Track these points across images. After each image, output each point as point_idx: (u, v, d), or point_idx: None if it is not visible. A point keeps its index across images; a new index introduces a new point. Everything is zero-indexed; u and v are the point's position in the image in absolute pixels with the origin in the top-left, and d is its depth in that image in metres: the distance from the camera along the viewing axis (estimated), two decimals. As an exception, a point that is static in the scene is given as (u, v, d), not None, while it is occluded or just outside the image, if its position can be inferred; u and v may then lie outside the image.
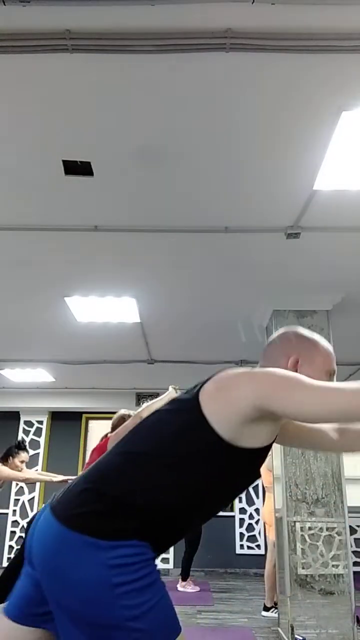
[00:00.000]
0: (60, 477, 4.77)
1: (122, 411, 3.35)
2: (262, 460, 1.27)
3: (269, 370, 1.22)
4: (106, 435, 3.41)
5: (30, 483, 4.98)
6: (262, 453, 1.24)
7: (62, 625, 1.12)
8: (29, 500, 7.55)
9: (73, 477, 4.92)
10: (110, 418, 3.42)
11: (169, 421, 1.25)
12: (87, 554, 1.10)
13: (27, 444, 4.83)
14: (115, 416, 3.35)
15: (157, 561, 1.22)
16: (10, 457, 4.66)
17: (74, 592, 1.09)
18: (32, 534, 1.22)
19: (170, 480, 1.18)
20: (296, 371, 1.29)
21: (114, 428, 3.29)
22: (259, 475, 1.32)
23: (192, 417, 1.21)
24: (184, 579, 5.91)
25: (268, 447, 1.25)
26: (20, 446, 4.75)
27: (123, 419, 3.27)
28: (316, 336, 1.39)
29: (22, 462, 4.72)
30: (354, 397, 1.10)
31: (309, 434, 1.42)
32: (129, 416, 3.27)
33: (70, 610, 1.10)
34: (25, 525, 7.40)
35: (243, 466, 1.24)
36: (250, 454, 1.21)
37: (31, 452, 7.75)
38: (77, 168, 2.53)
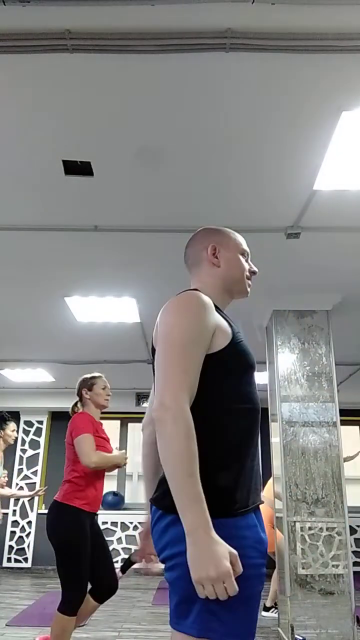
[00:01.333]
0: (30, 493, 4.86)
1: (83, 376, 3.36)
2: (242, 355, 1.36)
3: (173, 308, 1.35)
4: (75, 405, 3.38)
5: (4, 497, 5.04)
6: (237, 345, 1.35)
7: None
8: (29, 501, 7.55)
9: (42, 489, 4.92)
10: (110, 418, 3.41)
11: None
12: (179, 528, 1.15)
13: (6, 413, 4.83)
14: (77, 385, 3.34)
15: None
16: (1, 431, 4.68)
17: (175, 562, 1.17)
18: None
19: (215, 420, 1.26)
20: (217, 257, 1.52)
21: (78, 394, 3.29)
22: (252, 362, 1.40)
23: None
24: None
25: (238, 341, 1.36)
26: (4, 417, 4.75)
27: (84, 381, 3.28)
28: (223, 227, 1.61)
29: (13, 431, 4.75)
30: (169, 374, 1.22)
31: None
32: (88, 378, 3.27)
33: (171, 581, 1.21)
34: (25, 525, 7.41)
35: (235, 361, 1.34)
36: (229, 349, 1.33)
37: (31, 452, 7.77)
38: (77, 168, 2.53)
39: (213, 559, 1.04)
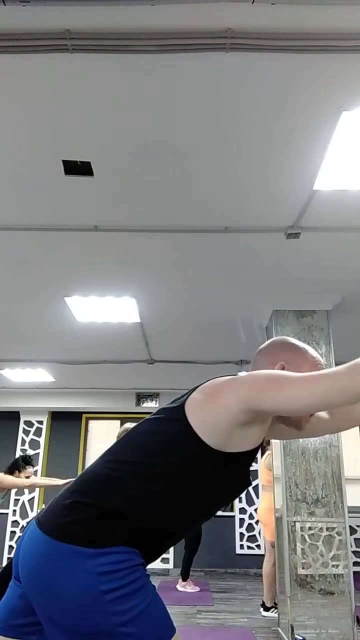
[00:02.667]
0: (63, 481, 4.76)
1: (128, 424, 3.34)
2: (250, 463, 1.27)
3: (252, 373, 1.23)
4: None
5: (36, 487, 4.98)
6: (250, 456, 1.24)
7: (53, 638, 1.12)
8: (29, 500, 7.56)
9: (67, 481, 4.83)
10: (110, 418, 3.41)
11: (156, 430, 1.25)
12: (73, 562, 1.10)
13: (32, 457, 4.82)
14: (120, 429, 3.34)
15: (157, 561, 1.23)
16: (17, 471, 4.66)
17: (63, 603, 1.09)
18: (18, 549, 1.22)
19: (158, 490, 1.18)
20: None
21: (119, 438, 3.29)
22: (249, 480, 1.31)
23: (179, 426, 1.21)
24: (184, 579, 5.91)
25: (256, 450, 1.25)
26: (27, 460, 4.74)
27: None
28: (304, 345, 1.40)
29: (27, 477, 4.71)
30: (335, 379, 1.10)
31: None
32: None
33: (61, 622, 1.09)
34: (25, 525, 7.41)
35: (232, 471, 1.24)
36: (238, 458, 1.21)
37: (31, 452, 7.76)
38: (77, 168, 2.53)
39: None
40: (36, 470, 7.67)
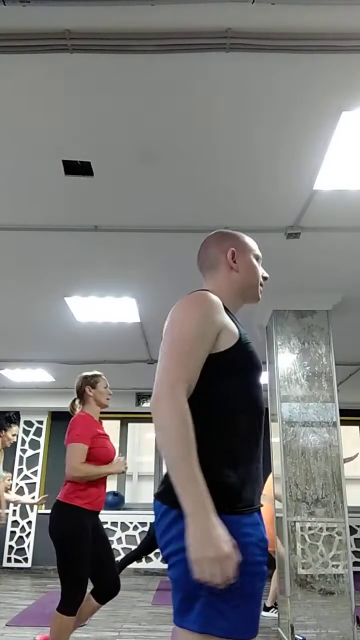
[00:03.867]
0: (32, 502, 4.85)
1: (82, 374, 3.32)
2: (248, 351, 1.36)
3: (183, 305, 1.37)
4: (74, 401, 3.34)
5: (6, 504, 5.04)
6: (243, 345, 1.35)
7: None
8: (29, 500, 7.55)
9: (43, 497, 4.88)
10: (110, 418, 3.39)
11: None
12: (179, 523, 1.16)
13: (15, 416, 4.84)
14: (76, 382, 3.30)
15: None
16: (3, 431, 4.68)
17: (179, 558, 1.17)
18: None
19: (218, 416, 1.26)
20: (235, 262, 1.53)
21: (78, 392, 3.26)
22: (259, 364, 1.40)
23: None
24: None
25: (244, 342, 1.36)
26: (11, 419, 4.75)
27: (85, 379, 3.24)
28: (237, 232, 1.62)
29: (13, 435, 4.75)
30: (167, 366, 1.24)
31: None
32: (90, 376, 3.24)
33: (175, 579, 1.22)
34: (25, 525, 7.41)
35: (240, 361, 1.34)
36: (234, 349, 1.32)
37: (31, 452, 7.77)
38: (77, 168, 2.53)
39: (212, 540, 1.07)
40: (35, 470, 7.68)
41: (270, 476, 4.30)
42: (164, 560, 1.26)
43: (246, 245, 1.58)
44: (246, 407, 1.32)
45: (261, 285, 1.58)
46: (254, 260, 1.57)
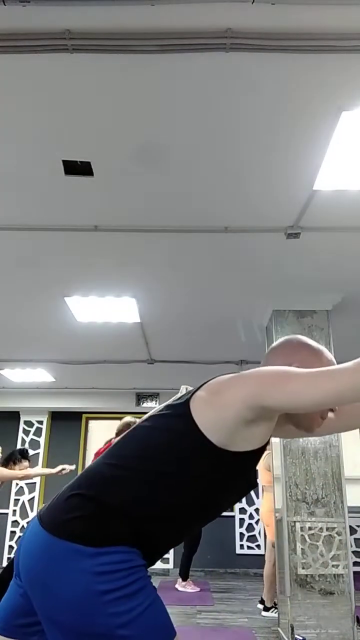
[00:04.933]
0: (56, 469, 4.77)
1: (128, 418, 3.33)
2: (256, 463, 1.25)
3: (258, 369, 1.19)
4: (110, 440, 3.40)
5: (29, 478, 4.99)
6: (255, 455, 1.21)
7: (52, 638, 1.10)
8: (29, 500, 7.55)
9: (69, 466, 4.78)
10: (110, 418, 3.41)
11: (160, 427, 1.23)
12: (72, 561, 1.08)
13: (28, 452, 4.84)
14: (120, 422, 3.34)
15: (158, 561, 1.21)
16: (12, 463, 4.66)
17: (61, 602, 1.07)
18: (19, 546, 1.20)
19: (161, 488, 1.16)
20: None
21: (118, 434, 3.28)
22: (255, 481, 1.30)
23: (183, 424, 1.18)
24: (184, 579, 5.91)
25: (262, 449, 1.22)
26: (24, 454, 4.74)
27: (128, 425, 3.25)
28: (320, 347, 1.34)
29: (21, 470, 4.73)
30: (344, 375, 1.07)
31: None
32: (134, 423, 3.25)
33: (59, 621, 1.08)
34: (25, 525, 7.41)
35: (237, 471, 1.21)
36: (243, 457, 1.18)
37: (31, 452, 7.75)
38: (77, 168, 2.53)
39: None
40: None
41: (261, 463, 4.31)
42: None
43: (316, 366, 1.23)
44: (202, 515, 1.24)
45: (322, 418, 1.28)
46: None
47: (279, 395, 1.11)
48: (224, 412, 1.15)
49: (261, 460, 5.34)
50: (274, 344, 1.39)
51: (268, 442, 1.24)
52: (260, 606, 4.77)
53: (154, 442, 1.21)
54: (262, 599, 4.77)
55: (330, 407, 1.23)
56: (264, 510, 4.92)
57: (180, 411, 1.21)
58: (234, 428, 1.15)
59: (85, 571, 1.07)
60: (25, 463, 4.74)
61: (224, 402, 1.15)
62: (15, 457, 4.70)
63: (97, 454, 3.13)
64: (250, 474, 1.27)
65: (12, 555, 7.32)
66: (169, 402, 1.32)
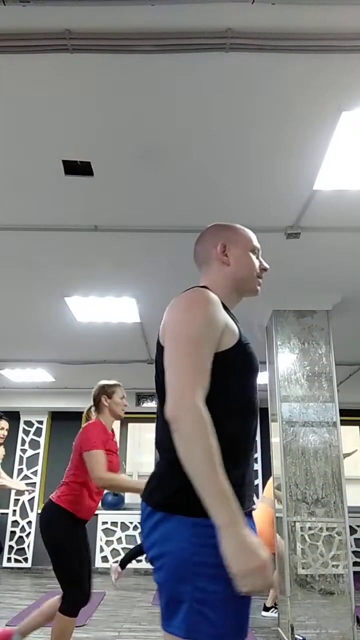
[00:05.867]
0: (22, 487, 4.79)
1: (100, 382, 3.27)
2: (251, 353, 1.35)
3: (183, 305, 1.34)
4: (89, 409, 3.32)
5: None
6: (244, 346, 1.33)
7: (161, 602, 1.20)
8: (29, 500, 7.55)
9: (28, 493, 4.73)
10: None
11: (160, 367, 1.32)
12: (174, 529, 1.15)
13: (1, 413, 4.85)
14: (94, 389, 3.25)
15: None
16: None
17: (162, 563, 1.16)
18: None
19: (221, 415, 1.22)
20: (226, 255, 1.48)
21: (95, 400, 3.22)
22: (257, 365, 1.38)
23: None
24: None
25: (238, 346, 1.32)
26: None
27: (103, 388, 3.20)
28: (234, 224, 1.55)
29: (1, 429, 4.75)
30: (181, 376, 1.20)
31: None
32: (108, 385, 3.19)
33: (159, 582, 1.18)
34: (25, 525, 7.41)
35: (243, 363, 1.32)
36: (234, 349, 1.30)
37: (31, 452, 7.77)
38: (77, 168, 2.53)
39: (252, 550, 1.05)
40: (35, 470, 7.68)
41: (271, 479, 4.30)
42: (150, 561, 1.24)
43: (240, 238, 1.52)
44: (242, 408, 1.30)
45: (259, 277, 1.52)
46: (249, 253, 1.50)
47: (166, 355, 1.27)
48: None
49: (268, 486, 5.16)
50: (198, 237, 1.59)
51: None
52: (265, 613, 4.75)
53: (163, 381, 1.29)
54: (264, 605, 4.76)
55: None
56: (260, 523, 4.84)
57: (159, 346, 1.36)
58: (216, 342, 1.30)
59: (184, 539, 1.14)
60: (3, 422, 4.75)
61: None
62: None
63: (93, 432, 3.03)
64: (252, 359, 1.36)
65: (11, 555, 7.33)
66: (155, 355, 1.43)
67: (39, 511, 7.35)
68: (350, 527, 6.95)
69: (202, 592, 1.10)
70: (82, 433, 3.00)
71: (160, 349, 1.34)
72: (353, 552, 6.89)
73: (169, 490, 1.20)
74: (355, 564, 6.73)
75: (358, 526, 7.27)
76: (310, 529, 3.64)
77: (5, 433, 4.82)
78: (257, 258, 1.53)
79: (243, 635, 1.16)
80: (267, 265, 1.54)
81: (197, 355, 1.21)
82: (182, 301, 1.34)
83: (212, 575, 1.11)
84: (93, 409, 3.24)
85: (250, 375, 1.35)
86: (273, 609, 4.51)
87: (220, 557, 1.07)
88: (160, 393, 1.30)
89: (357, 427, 7.91)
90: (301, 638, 3.49)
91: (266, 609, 4.65)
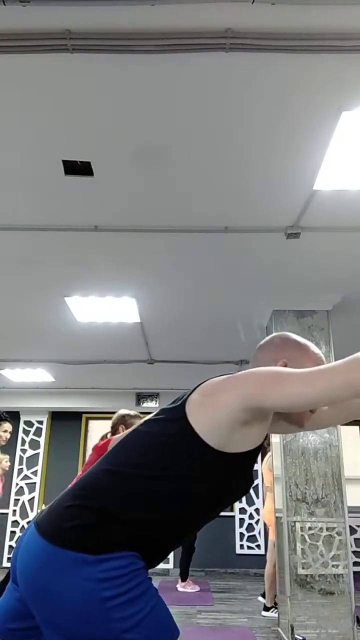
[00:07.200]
0: None
1: (122, 411, 3.31)
2: (253, 463, 1.25)
3: (251, 370, 1.20)
4: (106, 435, 3.39)
5: None
6: (252, 455, 1.22)
7: None
8: (29, 500, 7.55)
9: None
10: (110, 418, 3.40)
11: (156, 432, 1.23)
12: (74, 569, 1.08)
13: (3, 413, 4.84)
14: (114, 416, 3.33)
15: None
16: None
17: (63, 610, 1.06)
18: (15, 554, 1.19)
19: (159, 492, 1.16)
20: None
21: (113, 428, 3.26)
22: (252, 481, 1.30)
23: (178, 428, 1.18)
24: (183, 580, 5.91)
25: (258, 449, 1.23)
26: (1, 416, 4.75)
27: (123, 418, 3.24)
28: (306, 341, 1.36)
29: (5, 431, 4.74)
30: (337, 374, 1.08)
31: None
32: (129, 416, 3.23)
33: (61, 627, 1.07)
34: (25, 526, 7.41)
35: (234, 471, 1.21)
36: (240, 458, 1.19)
37: (31, 452, 7.77)
38: (77, 168, 2.53)
39: None
40: (35, 470, 7.68)
41: (265, 465, 4.30)
42: (36, 604, 1.12)
43: (306, 362, 1.27)
44: (201, 516, 1.23)
45: (312, 411, 1.30)
46: None
47: (274, 396, 1.12)
48: (219, 414, 1.15)
49: (265, 461, 5.39)
50: (262, 341, 1.40)
51: (269, 444, 1.26)
52: (261, 599, 4.78)
53: (151, 446, 1.21)
54: (263, 592, 4.79)
55: (324, 405, 1.23)
56: (266, 510, 4.92)
57: (176, 415, 1.21)
58: (229, 429, 1.15)
59: (88, 579, 1.07)
60: (6, 424, 4.73)
61: (219, 404, 1.16)
62: None
63: (94, 448, 3.11)
64: (250, 473, 1.27)
65: (11, 556, 7.31)
66: (165, 406, 1.31)
67: (39, 511, 7.39)
68: (350, 527, 6.95)
69: (123, 621, 1.06)
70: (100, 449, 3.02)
71: (180, 417, 1.20)
72: (353, 552, 6.89)
73: (80, 528, 1.12)
74: (355, 564, 6.73)
75: (358, 526, 7.27)
76: (310, 529, 3.64)
77: (8, 435, 4.81)
78: None
79: (177, 632, 1.13)
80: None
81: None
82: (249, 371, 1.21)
83: (123, 602, 1.07)
84: (109, 434, 3.27)
85: (237, 489, 1.27)
86: (273, 609, 4.51)
87: (129, 582, 1.07)
88: (146, 451, 1.20)
89: (357, 427, 7.91)
90: (301, 638, 3.48)
91: (266, 609, 4.65)
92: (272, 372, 1.16)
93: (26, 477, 7.65)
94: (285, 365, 1.28)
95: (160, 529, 1.18)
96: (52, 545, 1.11)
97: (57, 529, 1.13)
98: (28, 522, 7.82)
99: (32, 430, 7.87)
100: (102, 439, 3.35)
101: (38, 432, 7.87)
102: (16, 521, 7.48)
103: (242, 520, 7.39)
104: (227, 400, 1.15)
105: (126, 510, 1.14)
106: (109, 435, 3.31)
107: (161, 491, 1.17)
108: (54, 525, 1.14)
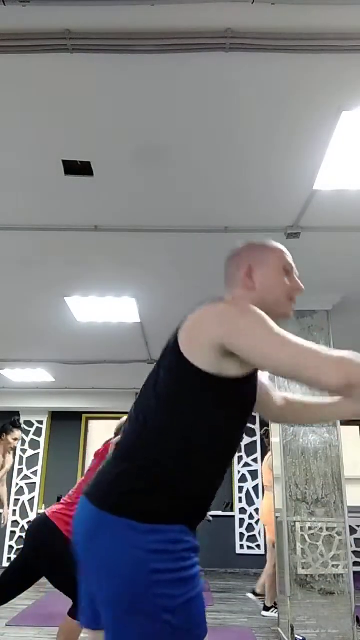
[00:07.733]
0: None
1: (125, 418, 3.30)
2: (251, 392, 1.28)
3: (236, 311, 1.20)
4: (108, 441, 3.39)
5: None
6: (246, 382, 1.23)
7: (104, 615, 1.09)
8: (29, 500, 7.55)
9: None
10: (110, 418, 3.40)
11: (161, 366, 1.27)
12: (122, 535, 1.08)
13: (21, 422, 4.85)
14: (119, 422, 3.33)
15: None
16: (4, 434, 4.67)
17: (113, 575, 1.06)
18: (74, 527, 1.20)
19: (179, 425, 1.17)
20: (252, 279, 1.33)
21: (117, 434, 3.26)
22: (251, 409, 1.31)
23: (175, 357, 1.22)
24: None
25: (250, 377, 1.24)
26: (15, 424, 4.75)
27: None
28: (265, 240, 1.39)
29: (15, 439, 4.73)
30: (310, 353, 1.11)
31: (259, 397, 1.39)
32: None
33: (109, 595, 1.07)
34: (25, 526, 7.40)
35: (233, 395, 1.23)
36: (234, 383, 1.20)
37: (31, 452, 7.77)
38: (77, 168, 2.53)
39: None
40: (35, 470, 7.68)
41: (265, 464, 4.30)
42: (84, 567, 1.17)
43: (267, 256, 1.35)
44: (227, 441, 1.26)
45: (291, 299, 1.34)
46: (279, 273, 1.34)
47: (248, 349, 1.14)
48: (202, 343, 1.18)
49: (265, 461, 5.39)
50: (228, 254, 1.44)
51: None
52: (250, 595, 4.83)
53: (159, 384, 1.23)
54: (254, 589, 4.85)
55: (286, 378, 1.22)
56: (265, 510, 4.93)
57: (172, 346, 1.25)
58: (214, 357, 1.17)
59: (138, 547, 1.07)
60: (17, 432, 4.73)
61: (202, 335, 1.19)
62: (7, 428, 4.70)
63: (96, 454, 3.13)
64: (248, 401, 1.29)
65: (12, 556, 7.33)
66: (164, 347, 1.34)
67: (39, 511, 7.41)
68: (350, 527, 6.95)
69: (163, 598, 1.05)
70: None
71: (176, 349, 1.23)
72: (353, 552, 6.90)
73: (130, 494, 1.14)
74: (355, 564, 6.73)
75: (358, 526, 7.27)
76: (310, 529, 3.64)
77: (19, 441, 4.81)
78: (291, 277, 1.36)
79: (206, 630, 1.12)
80: (301, 286, 1.36)
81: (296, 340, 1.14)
82: (230, 307, 1.24)
83: (171, 580, 1.07)
84: (115, 439, 3.27)
85: (244, 413, 1.29)
86: (273, 608, 4.52)
87: (179, 561, 1.06)
88: (158, 393, 1.23)
89: (357, 427, 7.91)
90: (301, 638, 3.48)
91: (266, 608, 4.65)
92: (253, 323, 1.17)
93: (26, 477, 7.65)
94: (251, 270, 1.33)
95: (198, 478, 1.18)
96: (104, 512, 1.11)
97: (108, 496, 1.14)
98: (28, 522, 7.83)
99: (32, 430, 7.88)
100: (104, 444, 3.35)
101: (38, 432, 7.87)
102: (16, 521, 7.48)
103: (242, 520, 7.39)
104: (209, 333, 1.18)
105: (167, 459, 1.15)
106: (113, 441, 3.31)
107: (181, 423, 1.17)
108: (104, 492, 1.15)
